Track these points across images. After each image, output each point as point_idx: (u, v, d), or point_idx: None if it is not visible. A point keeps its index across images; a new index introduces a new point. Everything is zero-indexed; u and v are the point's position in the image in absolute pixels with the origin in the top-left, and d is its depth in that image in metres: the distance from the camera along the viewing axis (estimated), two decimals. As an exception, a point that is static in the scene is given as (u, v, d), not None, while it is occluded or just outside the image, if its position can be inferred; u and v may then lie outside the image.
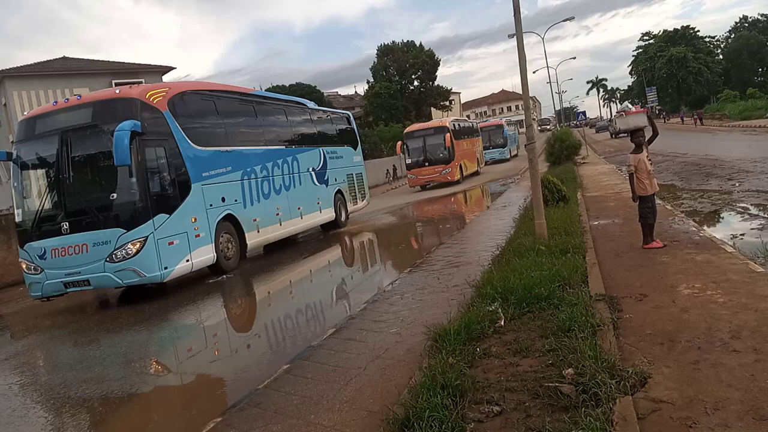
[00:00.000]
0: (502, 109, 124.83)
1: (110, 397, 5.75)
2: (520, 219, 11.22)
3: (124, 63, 35.47)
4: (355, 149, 20.38)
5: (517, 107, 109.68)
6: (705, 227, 9.31)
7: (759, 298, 5.04)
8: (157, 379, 6.47)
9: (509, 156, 47.43)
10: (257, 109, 14.58)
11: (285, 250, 14.98)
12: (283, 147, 15.32)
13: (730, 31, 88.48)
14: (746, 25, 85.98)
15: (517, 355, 4.48)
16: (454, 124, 32.61)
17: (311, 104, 18.86)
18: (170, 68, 36.04)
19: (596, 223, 10.64)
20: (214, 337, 7.92)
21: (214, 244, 11.29)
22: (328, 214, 17.15)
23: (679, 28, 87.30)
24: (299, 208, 15.30)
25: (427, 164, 30.09)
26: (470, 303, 5.93)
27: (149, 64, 35.68)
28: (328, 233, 17.47)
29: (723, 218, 10.85)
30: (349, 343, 5.95)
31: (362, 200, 20.17)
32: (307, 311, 8.81)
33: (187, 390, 5.97)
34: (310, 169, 16.42)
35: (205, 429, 4.34)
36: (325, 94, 59.45)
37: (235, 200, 12.43)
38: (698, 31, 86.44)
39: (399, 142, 31.68)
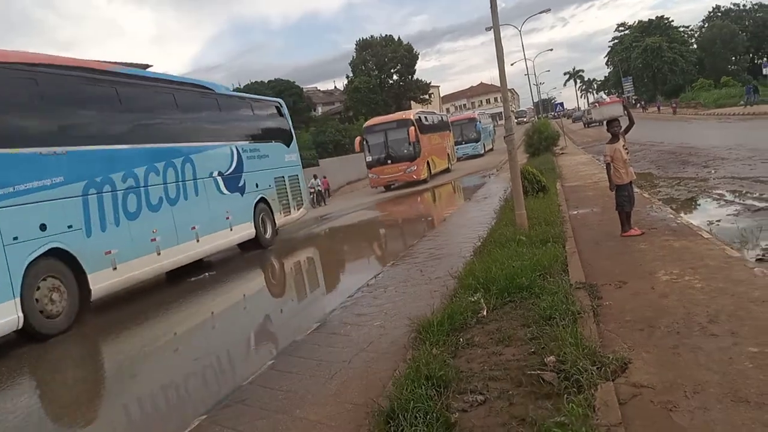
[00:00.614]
0: (481, 101, 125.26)
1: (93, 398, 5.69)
2: (500, 210, 11.29)
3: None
4: (288, 145, 16.62)
5: (496, 99, 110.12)
6: (682, 214, 9.44)
7: (735, 282, 5.13)
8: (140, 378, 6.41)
9: (483, 151, 43.86)
10: (121, 94, 10.57)
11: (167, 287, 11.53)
12: (168, 145, 11.53)
13: (703, 21, 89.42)
14: (719, 14, 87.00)
15: (499, 344, 4.52)
16: (419, 117, 29.63)
17: (222, 88, 15.00)
18: (146, 66, 35.52)
19: (575, 212, 10.74)
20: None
21: (20, 299, 7.57)
22: (243, 232, 13.38)
23: (653, 18, 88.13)
24: (194, 228, 11.52)
25: (389, 162, 27.13)
26: (453, 294, 5.96)
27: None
28: (246, 255, 14.07)
29: (699, 205, 11.01)
30: (334, 338, 5.96)
31: (297, 209, 16.47)
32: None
33: (172, 388, 5.93)
34: (215, 174, 12.74)
35: (191, 427, 4.32)
36: (304, 90, 59.12)
37: (69, 226, 8.68)
38: (672, 21, 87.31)
39: (358, 138, 28.33)
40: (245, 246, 13.95)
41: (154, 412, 5.21)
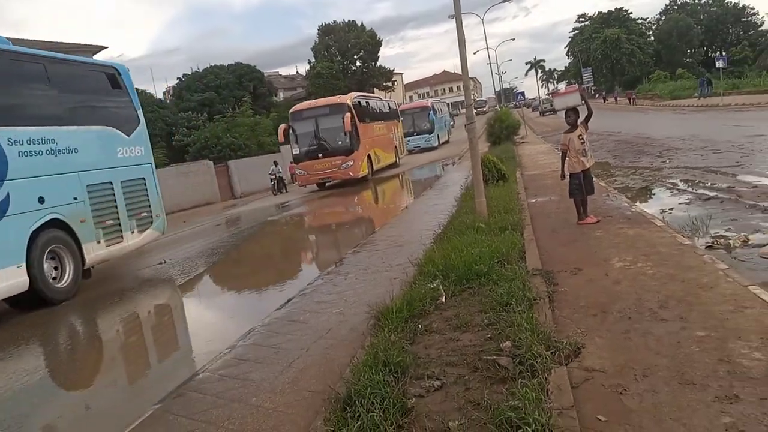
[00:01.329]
0: (444, 89, 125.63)
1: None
2: (461, 198, 11.37)
3: (51, 42, 33.70)
4: (129, 134, 11.22)
5: (458, 88, 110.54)
6: (637, 203, 9.67)
7: (685, 269, 5.28)
8: (93, 366, 6.27)
9: (437, 143, 40.07)
10: None
11: None
12: None
13: (661, 14, 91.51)
14: (676, 7, 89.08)
15: (457, 330, 4.55)
16: (358, 102, 24.89)
17: None
18: (102, 47, 34.56)
19: (534, 200, 10.89)
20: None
21: None
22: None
23: (613, 10, 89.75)
24: None
25: (320, 155, 22.53)
26: (412, 281, 5.98)
27: (78, 43, 34.08)
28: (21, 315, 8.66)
29: (654, 194, 11.29)
30: (293, 325, 5.91)
31: (141, 231, 11.01)
32: None
33: (126, 377, 5.82)
34: None
35: (144, 415, 4.24)
36: (266, 74, 58.32)
37: None
38: (631, 13, 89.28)
39: (282, 127, 23.33)
40: (20, 302, 8.60)
41: (107, 402, 5.09)
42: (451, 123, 62.13)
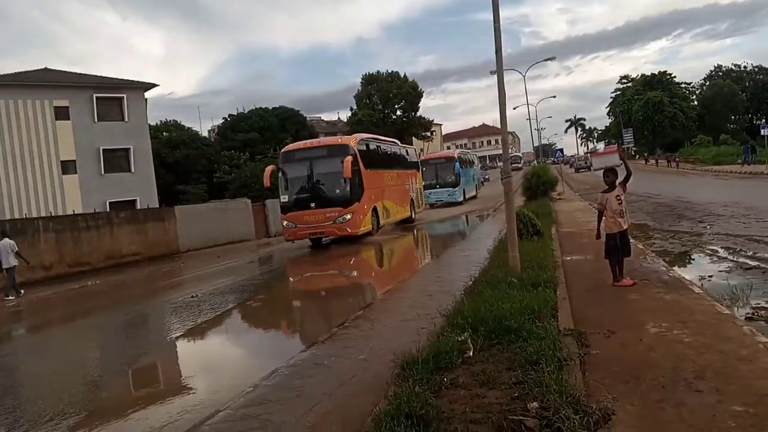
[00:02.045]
0: (482, 142, 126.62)
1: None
2: (494, 251, 11.28)
3: (106, 78, 35.36)
4: None
5: (497, 141, 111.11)
6: (675, 267, 9.44)
7: (723, 339, 5.10)
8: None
9: (462, 198, 36.08)
10: None
11: None
12: None
13: (705, 79, 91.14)
14: (720, 73, 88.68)
15: (483, 386, 4.46)
16: (366, 145, 21.29)
17: None
18: (153, 85, 36.02)
19: (569, 258, 10.74)
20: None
21: None
22: None
23: (656, 73, 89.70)
24: None
25: (312, 205, 18.91)
26: (440, 332, 5.90)
27: (132, 80, 35.62)
28: None
29: (693, 259, 11.01)
30: (317, 368, 5.88)
31: None
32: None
33: (148, 410, 5.83)
34: None
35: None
36: (308, 119, 59.71)
37: None
38: (675, 77, 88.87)
39: (269, 168, 20.39)
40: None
41: (134, 429, 5.10)
42: (483, 177, 59.63)
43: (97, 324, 10.98)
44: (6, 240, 16.05)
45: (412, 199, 25.68)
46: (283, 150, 21.04)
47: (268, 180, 19.66)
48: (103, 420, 5.45)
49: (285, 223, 19.57)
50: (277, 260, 18.46)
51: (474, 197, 39.82)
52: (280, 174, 19.76)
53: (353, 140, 20.30)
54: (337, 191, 18.93)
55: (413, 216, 25.59)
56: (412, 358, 4.95)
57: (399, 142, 28.01)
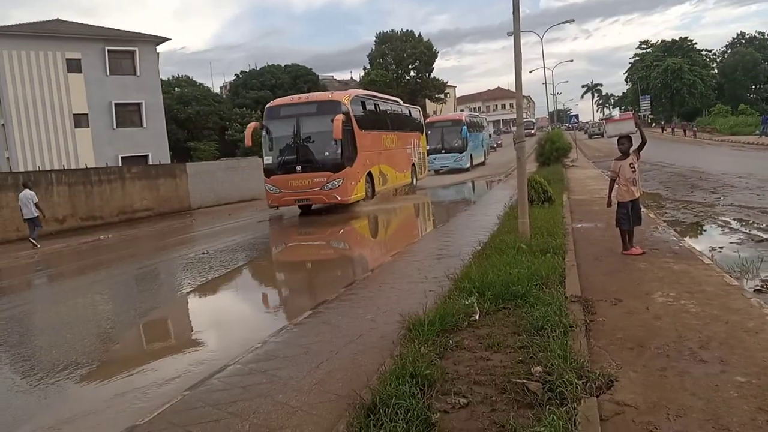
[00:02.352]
0: (496, 106, 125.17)
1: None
2: (504, 217, 11.25)
3: (118, 30, 35.08)
4: None
5: (511, 105, 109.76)
6: (685, 238, 9.41)
7: (731, 310, 5.11)
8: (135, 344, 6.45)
9: (469, 165, 34.09)
10: None
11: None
12: None
13: (726, 46, 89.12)
14: (743, 41, 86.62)
15: (488, 349, 4.51)
16: (360, 103, 19.12)
17: None
18: (165, 39, 35.74)
19: (579, 225, 10.71)
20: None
21: None
22: None
23: (677, 39, 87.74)
24: None
25: (299, 168, 17.13)
26: (447, 295, 5.95)
27: (144, 33, 35.34)
28: None
29: (704, 230, 10.96)
30: (324, 327, 5.96)
31: None
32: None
33: (159, 362, 5.95)
34: None
35: (174, 401, 4.34)
36: (320, 78, 59.11)
37: None
38: (696, 43, 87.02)
39: (251, 125, 18.61)
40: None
41: (146, 380, 5.22)
42: (496, 143, 58.89)
43: (109, 277, 11.14)
44: (27, 191, 16.43)
45: (413, 165, 24.25)
46: (267, 105, 18.84)
47: (249, 139, 17.97)
48: (115, 371, 5.58)
49: (268, 187, 17.83)
50: (287, 219, 18.51)
51: (482, 164, 38.01)
52: (264, 132, 17.98)
53: (346, 97, 18.11)
54: (326, 154, 17.07)
55: (414, 182, 24.07)
56: (418, 319, 5.00)
57: (401, 101, 26.16)
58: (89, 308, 8.90)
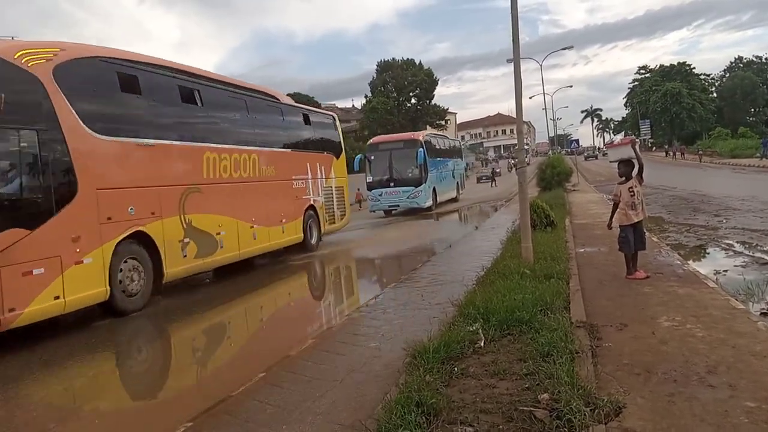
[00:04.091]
0: (497, 131, 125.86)
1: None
2: (507, 241, 11.24)
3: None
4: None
5: (512, 131, 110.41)
6: (689, 261, 9.37)
7: (737, 334, 5.06)
8: (131, 378, 6.39)
9: (429, 202, 25.75)
10: None
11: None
12: None
13: (725, 70, 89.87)
14: (741, 65, 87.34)
15: (494, 377, 4.46)
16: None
17: None
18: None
19: (582, 250, 10.68)
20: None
21: None
22: None
23: (675, 64, 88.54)
24: None
25: None
26: (451, 322, 5.91)
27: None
28: None
29: (708, 253, 10.93)
30: (327, 355, 5.91)
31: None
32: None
33: (161, 392, 5.90)
34: None
35: (175, 433, 4.28)
36: (322, 105, 59.59)
37: None
38: (694, 68, 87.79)
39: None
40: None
41: (138, 415, 5.17)
42: (494, 170, 52.51)
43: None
44: None
45: (311, 210, 15.11)
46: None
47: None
48: (108, 401, 5.51)
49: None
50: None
51: (454, 200, 30.92)
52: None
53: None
54: None
55: (314, 240, 15.27)
56: (423, 346, 4.96)
57: (282, 98, 15.64)
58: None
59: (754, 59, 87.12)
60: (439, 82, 67.92)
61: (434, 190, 26.60)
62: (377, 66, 66.33)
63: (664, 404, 3.81)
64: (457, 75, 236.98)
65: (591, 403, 3.65)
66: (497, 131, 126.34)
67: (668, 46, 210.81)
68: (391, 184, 25.15)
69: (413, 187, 25.05)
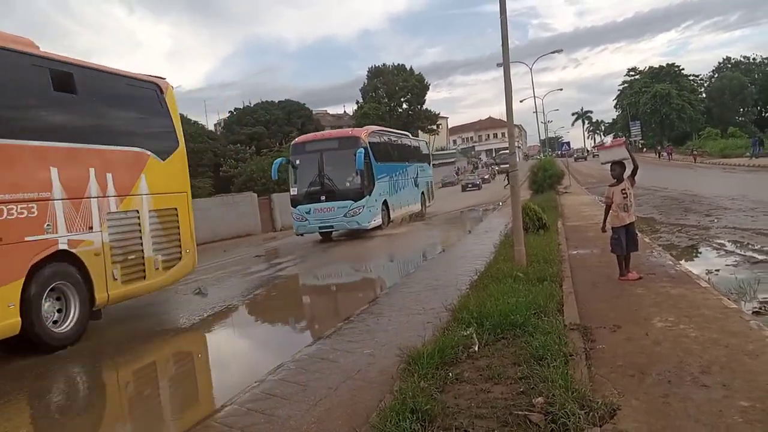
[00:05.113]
0: (488, 135, 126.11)
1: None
2: (500, 245, 11.26)
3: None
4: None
5: (503, 134, 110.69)
6: (681, 261, 9.41)
7: (730, 334, 5.08)
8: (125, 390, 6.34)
9: (373, 221, 19.52)
10: None
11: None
12: None
13: (713, 71, 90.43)
14: (729, 66, 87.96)
15: (489, 381, 4.45)
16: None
17: None
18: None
19: (575, 252, 10.71)
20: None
21: None
22: None
23: (664, 65, 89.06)
24: None
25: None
26: (445, 327, 5.90)
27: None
28: None
29: (699, 253, 10.97)
30: (322, 363, 5.89)
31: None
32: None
33: (156, 403, 5.86)
34: None
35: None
36: (314, 112, 59.69)
37: None
38: (683, 69, 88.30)
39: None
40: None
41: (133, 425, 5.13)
42: (481, 177, 49.58)
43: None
44: None
45: (55, 266, 7.50)
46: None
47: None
48: (102, 413, 5.48)
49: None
50: (282, 254, 18.45)
51: (418, 215, 24.99)
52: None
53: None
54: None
55: (56, 333, 7.56)
56: (417, 352, 4.95)
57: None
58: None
59: (742, 59, 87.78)
60: (430, 87, 68.36)
61: (386, 204, 20.76)
62: (368, 72, 66.64)
63: (658, 405, 3.82)
64: (447, 79, 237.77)
65: (586, 406, 3.65)
66: (489, 135, 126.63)
67: (657, 47, 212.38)
68: (322, 198, 18.82)
69: (352, 202, 18.68)
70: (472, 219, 23.52)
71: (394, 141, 24.45)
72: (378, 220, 19.86)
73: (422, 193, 26.24)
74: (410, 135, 29.57)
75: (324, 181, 19.06)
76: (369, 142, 19.69)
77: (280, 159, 21.32)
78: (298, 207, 19.34)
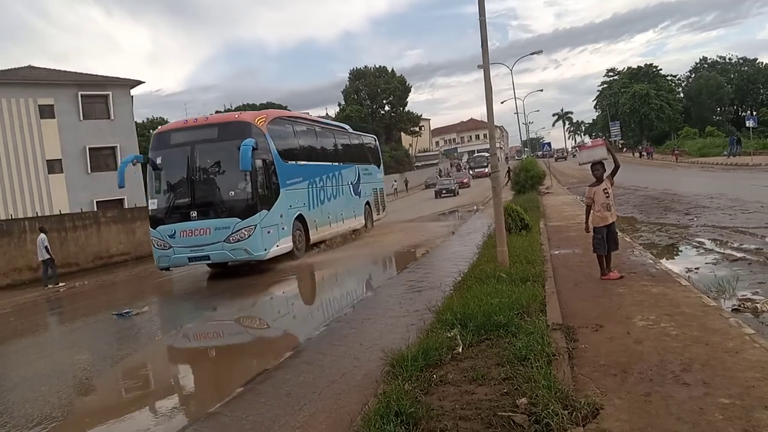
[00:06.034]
0: (470, 137, 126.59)
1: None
2: (482, 246, 11.29)
3: (91, 75, 35.00)
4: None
5: (485, 136, 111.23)
6: (662, 260, 9.50)
7: (710, 331, 5.14)
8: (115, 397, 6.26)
9: (289, 244, 14.32)
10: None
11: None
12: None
13: (691, 71, 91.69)
14: (706, 66, 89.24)
15: (473, 382, 4.46)
16: None
17: None
18: (139, 82, 35.71)
19: (557, 252, 10.77)
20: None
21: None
22: None
23: (642, 66, 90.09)
24: None
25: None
26: (429, 329, 5.90)
27: (117, 77, 35.24)
28: None
29: (680, 252, 11.09)
30: (306, 367, 5.86)
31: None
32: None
33: (141, 409, 5.79)
34: None
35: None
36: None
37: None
38: (661, 69, 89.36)
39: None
40: None
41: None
42: (458, 181, 42.84)
43: (86, 326, 10.88)
44: (42, 235, 17.97)
45: None
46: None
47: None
48: (92, 424, 5.41)
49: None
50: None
51: (364, 228, 20.66)
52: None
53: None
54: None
55: None
56: (401, 355, 4.94)
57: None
58: (64, 358, 8.65)
59: (719, 60, 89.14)
60: (412, 89, 68.55)
61: (301, 220, 15.40)
62: (350, 74, 66.59)
63: (640, 404, 3.84)
64: (429, 81, 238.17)
65: (569, 406, 3.66)
66: (471, 136, 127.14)
67: (635, 48, 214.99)
68: (193, 215, 13.20)
69: (238, 220, 13.01)
70: (441, 230, 19.19)
71: (319, 133, 18.30)
72: (284, 246, 14.11)
73: (366, 203, 21.08)
74: (349, 128, 22.09)
75: (195, 189, 13.29)
76: (269, 133, 14.01)
77: (130, 156, 15.50)
78: (158, 228, 13.41)
